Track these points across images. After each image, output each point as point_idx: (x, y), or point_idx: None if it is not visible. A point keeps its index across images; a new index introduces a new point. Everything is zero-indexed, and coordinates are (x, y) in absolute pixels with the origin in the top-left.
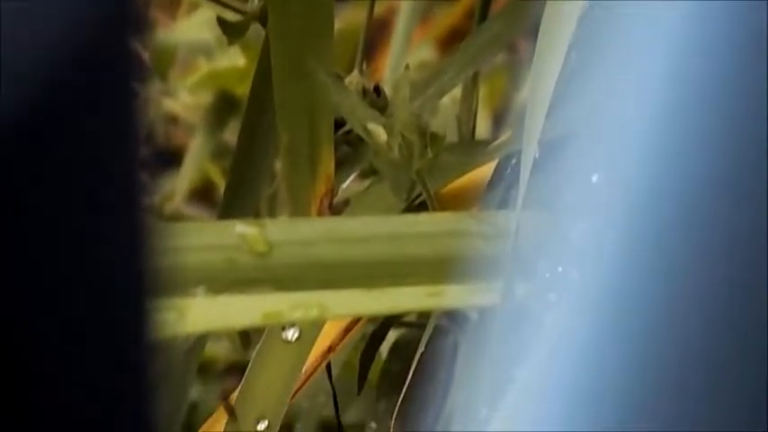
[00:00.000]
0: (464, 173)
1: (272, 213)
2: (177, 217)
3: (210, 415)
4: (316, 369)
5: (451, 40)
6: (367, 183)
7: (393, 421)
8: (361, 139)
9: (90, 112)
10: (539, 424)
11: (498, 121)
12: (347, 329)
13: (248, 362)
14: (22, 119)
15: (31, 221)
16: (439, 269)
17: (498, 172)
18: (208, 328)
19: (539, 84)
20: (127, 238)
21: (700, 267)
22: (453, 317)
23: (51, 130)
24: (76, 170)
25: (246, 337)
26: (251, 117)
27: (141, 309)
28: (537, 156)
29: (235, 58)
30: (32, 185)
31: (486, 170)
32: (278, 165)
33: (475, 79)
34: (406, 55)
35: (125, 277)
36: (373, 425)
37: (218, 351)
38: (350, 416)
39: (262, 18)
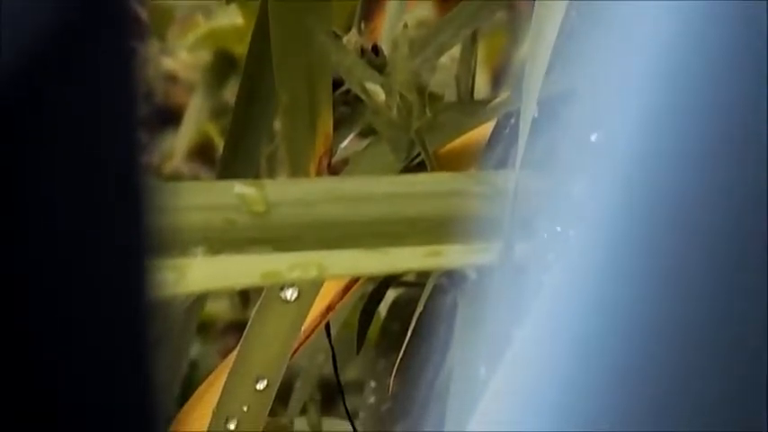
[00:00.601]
0: (463, 132)
1: (272, 173)
2: (176, 176)
3: (210, 373)
4: (315, 328)
5: None
6: (366, 142)
7: (392, 380)
8: (359, 99)
9: (88, 71)
10: (537, 383)
11: (497, 79)
12: (346, 289)
13: (248, 321)
14: (20, 78)
15: (28, 179)
16: (438, 229)
17: (497, 131)
18: (206, 288)
19: (538, 42)
20: (126, 197)
21: (700, 225)
22: (452, 276)
23: (49, 89)
24: (74, 129)
25: (246, 297)
26: (249, 76)
27: (140, 268)
28: (536, 115)
29: (233, 17)
30: (29, 144)
31: (484, 129)
32: (277, 124)
33: (474, 38)
34: (405, 14)
35: (124, 237)
36: (372, 383)
37: (218, 310)
38: (349, 374)
39: None
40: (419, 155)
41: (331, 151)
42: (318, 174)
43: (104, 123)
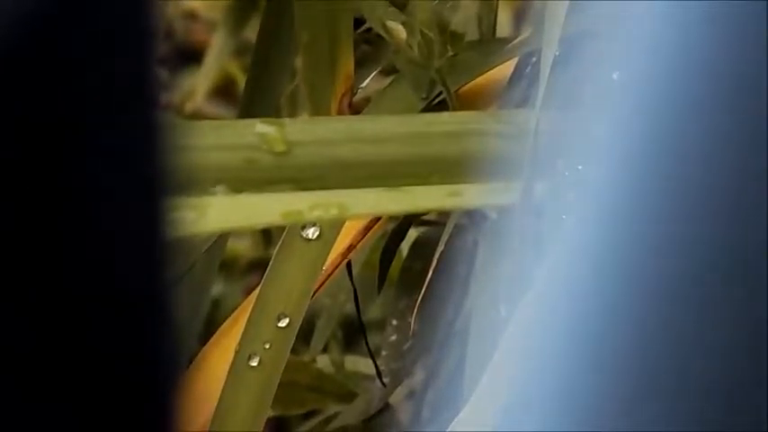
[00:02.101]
0: (484, 71)
1: (293, 112)
2: (197, 115)
3: (233, 311)
4: (336, 267)
5: None
6: (387, 81)
7: (413, 318)
8: (380, 38)
9: (107, 7)
10: (557, 323)
11: (519, 18)
12: (367, 228)
13: (270, 259)
14: (36, 15)
15: (46, 118)
16: (458, 168)
17: (518, 70)
18: (227, 227)
19: None
20: (145, 136)
21: (725, 161)
22: (473, 216)
23: (66, 26)
24: (93, 67)
25: (267, 235)
26: (271, 15)
27: (160, 207)
28: (557, 53)
29: None
30: (47, 83)
31: (506, 68)
32: (298, 63)
33: None
34: None
35: (144, 176)
36: (394, 321)
37: (241, 248)
38: (371, 313)
39: None
40: (440, 94)
41: (352, 90)
42: (339, 113)
43: (123, 62)
